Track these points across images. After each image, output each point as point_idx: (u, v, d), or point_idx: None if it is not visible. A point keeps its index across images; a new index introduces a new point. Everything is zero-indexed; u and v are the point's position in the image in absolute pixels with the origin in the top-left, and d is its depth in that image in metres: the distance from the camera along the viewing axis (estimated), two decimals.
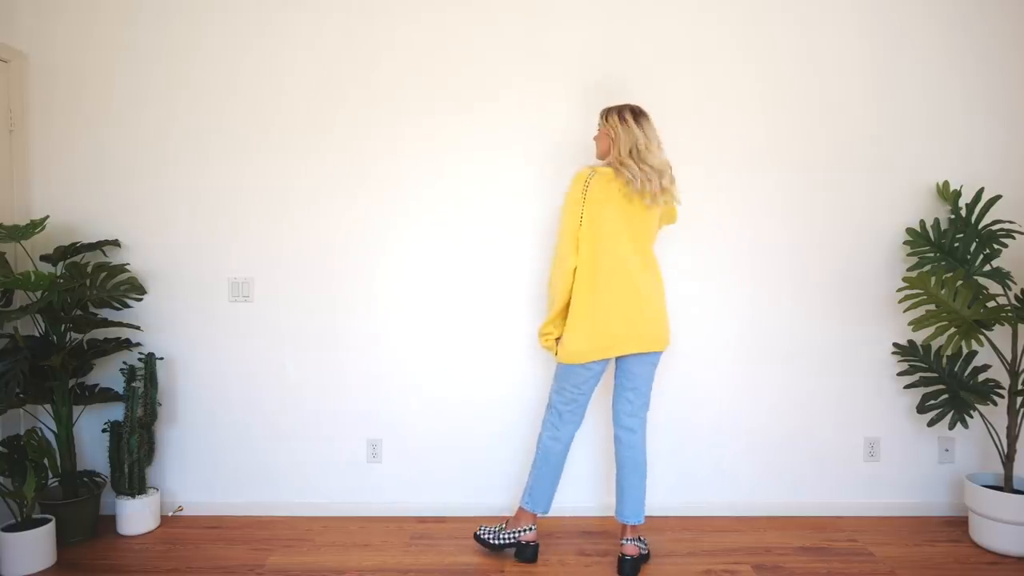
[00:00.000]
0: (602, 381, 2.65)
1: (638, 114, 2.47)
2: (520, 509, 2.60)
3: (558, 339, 2.52)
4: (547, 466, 2.57)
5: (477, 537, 2.63)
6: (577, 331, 2.44)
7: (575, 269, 2.45)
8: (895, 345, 2.98)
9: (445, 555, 2.64)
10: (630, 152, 2.42)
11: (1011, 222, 2.74)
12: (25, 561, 2.45)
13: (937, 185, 2.94)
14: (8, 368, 2.51)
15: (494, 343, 2.98)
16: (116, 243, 2.94)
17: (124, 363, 2.90)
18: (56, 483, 2.82)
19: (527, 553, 2.57)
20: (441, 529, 2.88)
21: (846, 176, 2.97)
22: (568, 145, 2.93)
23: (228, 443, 3.03)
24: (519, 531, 2.58)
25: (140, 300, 2.95)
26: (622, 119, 2.46)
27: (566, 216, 2.46)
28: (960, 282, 2.62)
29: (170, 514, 3.01)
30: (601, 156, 2.56)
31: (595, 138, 2.58)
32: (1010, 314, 2.58)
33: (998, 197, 2.78)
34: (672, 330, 2.98)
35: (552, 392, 2.59)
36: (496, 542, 2.60)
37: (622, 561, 2.48)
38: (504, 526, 2.62)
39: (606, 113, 2.51)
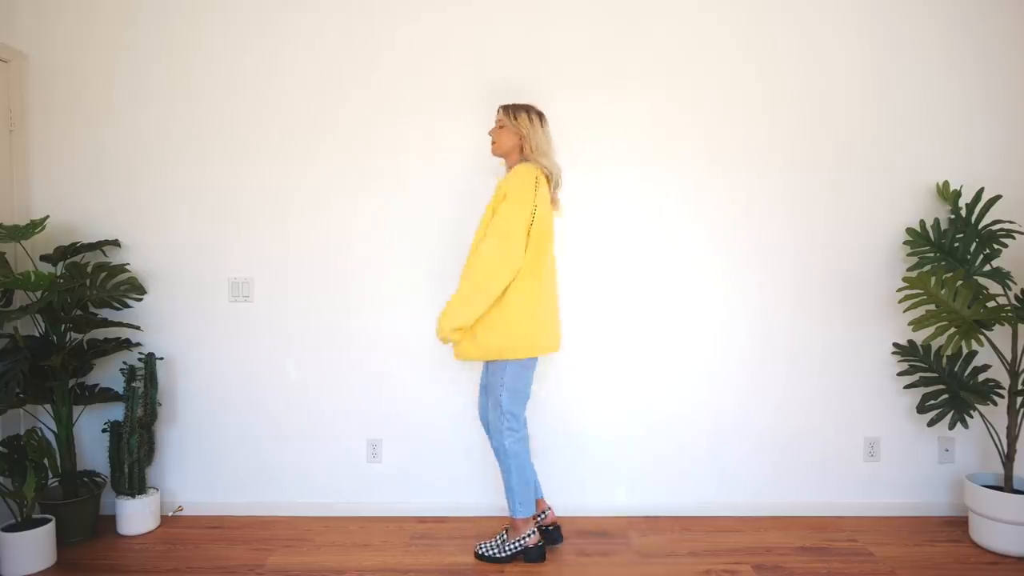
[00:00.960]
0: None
1: (541, 116, 2.55)
2: (516, 520, 2.54)
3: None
4: (523, 469, 2.53)
5: (482, 556, 2.58)
6: (533, 325, 2.43)
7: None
8: (895, 345, 2.98)
9: (445, 555, 2.64)
10: (542, 152, 2.49)
11: (1011, 222, 2.74)
12: (25, 561, 2.45)
13: (937, 185, 2.94)
14: (8, 368, 2.51)
15: None
16: (116, 243, 2.94)
17: (124, 363, 2.90)
18: (56, 483, 2.82)
19: (534, 554, 2.56)
20: (441, 529, 2.88)
21: (846, 176, 2.97)
22: (568, 144, 2.93)
23: (228, 443, 3.03)
24: (523, 538, 2.56)
25: (140, 300, 2.96)
26: (531, 118, 2.51)
27: (520, 211, 2.36)
28: (960, 282, 2.62)
29: (170, 514, 3.01)
30: (503, 153, 2.55)
31: (493, 132, 2.55)
32: (1010, 314, 2.58)
33: (998, 197, 2.78)
34: (674, 330, 2.99)
35: (502, 399, 2.48)
36: (504, 555, 2.56)
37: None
38: (505, 536, 2.60)
39: (514, 110, 2.52)
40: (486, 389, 2.60)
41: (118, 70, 2.96)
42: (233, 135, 2.97)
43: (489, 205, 2.48)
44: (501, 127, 2.54)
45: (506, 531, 2.62)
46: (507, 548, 2.56)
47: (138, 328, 2.94)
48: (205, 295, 3.00)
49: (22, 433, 2.70)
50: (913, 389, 2.93)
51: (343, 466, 3.04)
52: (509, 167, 2.56)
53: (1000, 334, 2.78)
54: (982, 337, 2.59)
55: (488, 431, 2.62)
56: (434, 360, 3.00)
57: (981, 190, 2.81)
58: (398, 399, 3.02)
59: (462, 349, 2.47)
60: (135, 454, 2.80)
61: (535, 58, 2.94)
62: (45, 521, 2.54)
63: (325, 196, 2.98)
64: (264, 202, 2.99)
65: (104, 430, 2.84)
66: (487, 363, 2.57)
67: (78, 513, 2.72)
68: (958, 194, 2.86)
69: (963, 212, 2.83)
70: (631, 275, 2.97)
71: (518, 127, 2.49)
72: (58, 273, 2.74)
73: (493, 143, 2.57)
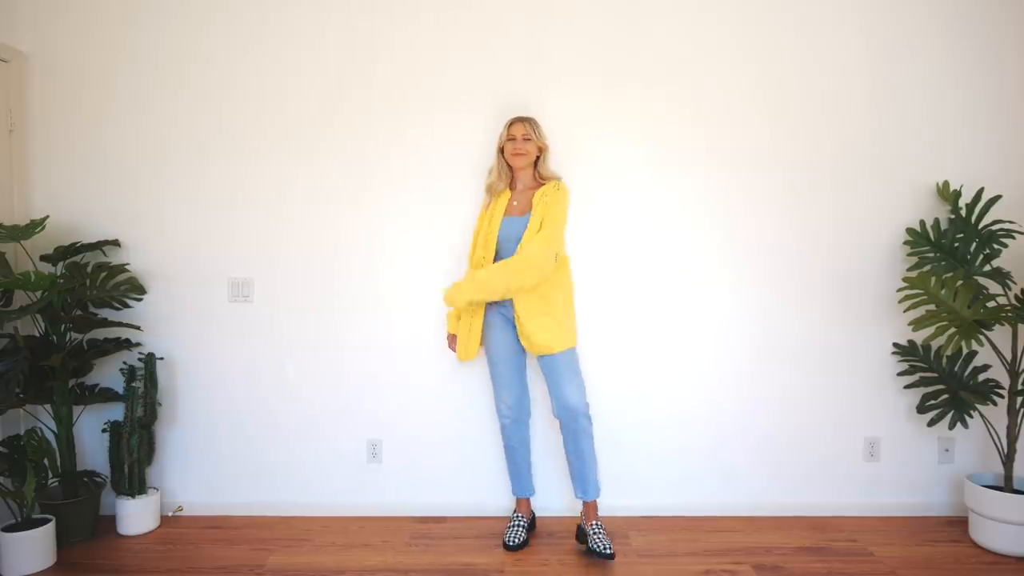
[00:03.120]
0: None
1: None
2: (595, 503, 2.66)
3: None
4: None
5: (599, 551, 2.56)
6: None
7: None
8: (895, 345, 2.98)
9: (445, 555, 2.64)
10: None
11: (1011, 222, 2.74)
12: (25, 561, 2.45)
13: (937, 185, 2.94)
14: (8, 368, 2.51)
15: None
16: (116, 243, 2.94)
17: (124, 363, 2.89)
18: (56, 483, 2.81)
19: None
20: (441, 529, 2.88)
21: (846, 176, 2.97)
22: (569, 145, 2.93)
23: (228, 443, 3.03)
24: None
25: (140, 300, 2.95)
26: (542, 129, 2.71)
27: (563, 226, 2.63)
28: (960, 282, 2.62)
29: (170, 514, 3.01)
30: (529, 163, 2.67)
31: (522, 145, 2.64)
32: (1010, 314, 2.58)
33: (998, 197, 2.78)
34: (673, 330, 3.00)
35: (583, 384, 2.64)
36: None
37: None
38: (598, 525, 2.63)
39: (532, 123, 2.66)
40: (558, 377, 2.60)
41: (118, 70, 2.96)
42: (233, 135, 2.97)
43: (536, 214, 2.57)
44: (528, 140, 2.64)
45: (597, 521, 2.62)
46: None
47: (138, 328, 2.93)
48: (205, 295, 3.00)
49: (22, 433, 2.70)
50: (913, 389, 2.93)
51: (343, 466, 3.04)
52: (523, 175, 2.71)
53: (1000, 334, 2.78)
54: (982, 337, 2.58)
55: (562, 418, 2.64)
56: (435, 360, 3.00)
57: (981, 190, 2.81)
58: (398, 399, 3.02)
59: (551, 342, 2.54)
60: (135, 454, 2.80)
61: (536, 58, 2.94)
62: (45, 521, 2.54)
63: (325, 196, 2.98)
64: (264, 202, 2.99)
65: (104, 430, 2.84)
66: (556, 355, 2.57)
67: (78, 513, 2.72)
68: (958, 194, 2.86)
69: (963, 212, 2.83)
70: (631, 275, 2.97)
71: (541, 139, 2.67)
72: (58, 273, 2.74)
73: (523, 155, 2.64)
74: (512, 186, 2.73)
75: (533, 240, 2.52)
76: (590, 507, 2.65)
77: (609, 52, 2.94)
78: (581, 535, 2.67)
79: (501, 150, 2.71)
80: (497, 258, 2.65)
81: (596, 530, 2.59)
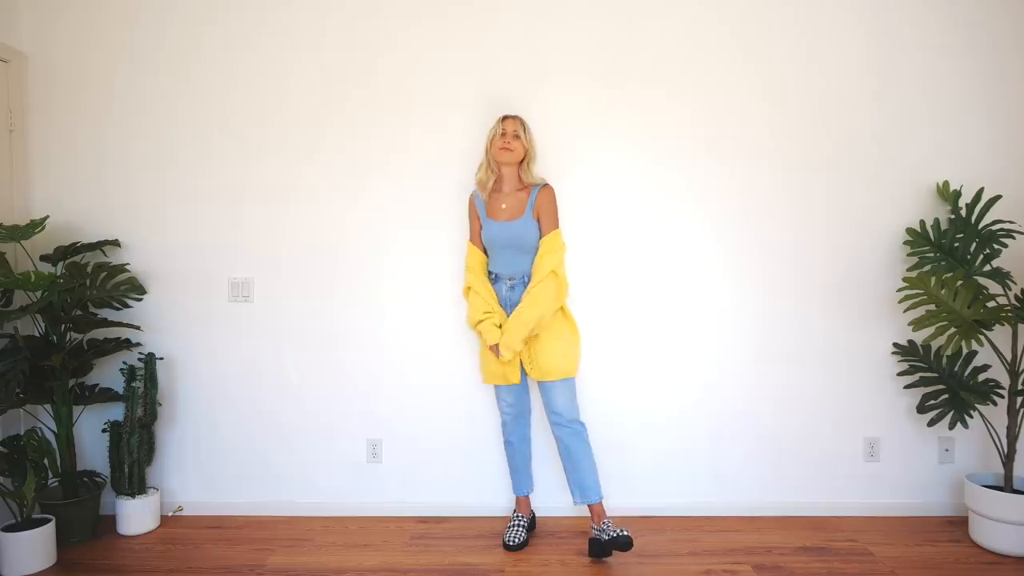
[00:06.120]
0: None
1: None
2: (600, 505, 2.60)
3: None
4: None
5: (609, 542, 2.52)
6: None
7: None
8: (895, 345, 2.98)
9: (445, 555, 2.64)
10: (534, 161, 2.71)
11: (1011, 222, 2.74)
12: (25, 561, 2.46)
13: (937, 185, 2.94)
14: (8, 368, 2.51)
15: None
16: (116, 243, 2.94)
17: (124, 363, 2.90)
18: (56, 483, 2.82)
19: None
20: (441, 529, 2.88)
21: (847, 176, 2.97)
22: (571, 144, 2.93)
23: (228, 443, 3.03)
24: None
25: (140, 300, 2.96)
26: (530, 131, 2.71)
27: (563, 242, 2.69)
28: (960, 282, 2.62)
29: (170, 514, 3.01)
30: (516, 161, 2.64)
31: (512, 142, 2.61)
32: (1010, 314, 2.58)
33: (998, 197, 2.78)
34: (673, 330, 3.00)
35: (576, 403, 2.66)
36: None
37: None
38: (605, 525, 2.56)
39: (522, 123, 2.65)
40: (555, 395, 2.63)
41: (118, 70, 2.96)
42: (233, 135, 2.97)
43: (534, 215, 2.63)
44: (517, 137, 2.62)
45: (607, 519, 2.58)
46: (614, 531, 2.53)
47: (138, 328, 2.93)
48: (205, 295, 3.00)
49: (22, 433, 2.70)
50: (913, 389, 2.92)
51: (343, 466, 3.04)
52: (509, 175, 2.68)
53: (1000, 334, 2.78)
54: (982, 337, 2.58)
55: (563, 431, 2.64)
56: (434, 360, 3.00)
57: (981, 190, 2.81)
58: (398, 399, 3.02)
59: (563, 367, 2.60)
60: (135, 454, 2.80)
61: (535, 58, 2.94)
62: (45, 521, 2.54)
63: (325, 196, 2.98)
64: (264, 202, 2.99)
65: (104, 430, 2.84)
66: (556, 381, 2.63)
67: (78, 513, 2.72)
68: (958, 194, 2.86)
69: (963, 212, 2.83)
70: (631, 276, 2.97)
71: (528, 140, 2.65)
72: (58, 273, 2.74)
73: (510, 151, 2.61)
74: (498, 187, 2.69)
75: (547, 263, 2.57)
76: (597, 509, 2.60)
77: (609, 52, 2.94)
78: (595, 548, 2.58)
79: (489, 148, 2.66)
80: (495, 261, 2.69)
81: (607, 525, 2.55)
